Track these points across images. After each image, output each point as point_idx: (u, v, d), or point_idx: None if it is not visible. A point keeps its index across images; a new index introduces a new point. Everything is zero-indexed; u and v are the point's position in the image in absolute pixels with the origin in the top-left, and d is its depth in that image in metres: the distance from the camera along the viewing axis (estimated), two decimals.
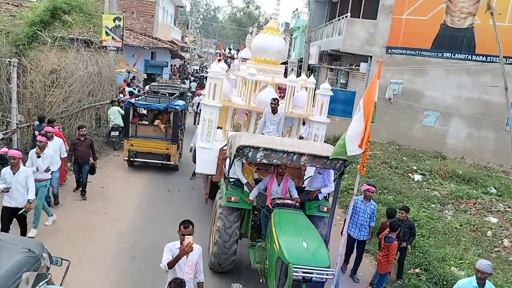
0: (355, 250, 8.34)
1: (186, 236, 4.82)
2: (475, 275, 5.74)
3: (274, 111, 9.33)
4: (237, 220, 7.30)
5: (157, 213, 10.06)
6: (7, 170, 7.08)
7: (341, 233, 7.51)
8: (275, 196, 7.19)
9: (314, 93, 10.22)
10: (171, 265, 4.85)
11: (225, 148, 8.50)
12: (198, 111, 18.24)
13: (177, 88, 17.52)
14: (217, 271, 7.48)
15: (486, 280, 5.69)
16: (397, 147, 18.02)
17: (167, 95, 15.00)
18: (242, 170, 7.77)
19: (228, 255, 7.20)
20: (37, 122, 10.21)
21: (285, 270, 5.61)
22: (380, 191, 12.86)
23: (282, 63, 11.34)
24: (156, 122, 13.08)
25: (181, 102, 14.12)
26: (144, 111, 13.90)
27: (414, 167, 15.32)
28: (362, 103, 5.63)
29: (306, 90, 10.26)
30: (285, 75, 11.61)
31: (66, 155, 9.76)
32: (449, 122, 18.56)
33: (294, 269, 5.45)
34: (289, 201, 7.01)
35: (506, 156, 17.90)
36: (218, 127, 10.23)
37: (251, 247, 7.38)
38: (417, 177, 14.40)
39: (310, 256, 5.71)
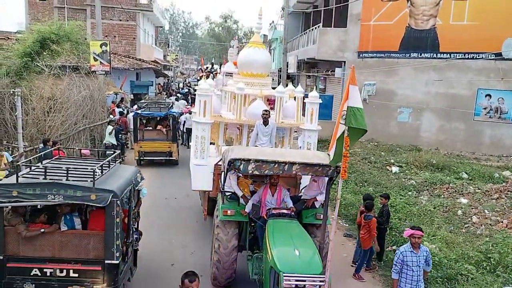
0: None
1: None
2: None
3: (266, 122, 9.31)
4: (235, 233, 7.33)
5: (158, 218, 10.92)
6: None
7: None
8: (270, 206, 7.25)
9: (303, 102, 10.28)
10: None
11: (220, 163, 8.48)
12: (185, 130, 19.11)
13: (162, 103, 18.66)
14: (219, 285, 7.53)
15: None
16: (376, 143, 19.24)
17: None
18: (237, 183, 7.85)
19: (228, 269, 7.22)
20: (41, 145, 11.10)
21: (277, 279, 5.69)
22: (361, 184, 14.00)
23: None
24: (159, 127, 16.25)
25: (176, 110, 18.03)
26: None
27: (392, 160, 16.54)
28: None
29: (295, 99, 10.41)
30: None
31: None
32: (422, 117, 19.91)
33: (285, 277, 5.55)
34: (284, 211, 7.10)
35: (477, 144, 19.34)
36: (211, 143, 10.30)
37: (250, 259, 7.35)
38: (394, 169, 15.59)
39: (302, 264, 5.81)
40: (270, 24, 42.77)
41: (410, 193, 13.40)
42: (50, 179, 5.80)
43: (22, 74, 14.07)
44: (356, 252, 8.95)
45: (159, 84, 35.39)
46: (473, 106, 19.10)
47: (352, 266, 8.88)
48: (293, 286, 5.58)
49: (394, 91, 19.90)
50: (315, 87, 25.09)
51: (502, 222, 10.92)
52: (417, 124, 19.99)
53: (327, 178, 7.19)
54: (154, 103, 18.01)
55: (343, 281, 8.15)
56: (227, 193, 7.69)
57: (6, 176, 9.16)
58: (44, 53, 15.89)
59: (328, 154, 6.21)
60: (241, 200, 7.59)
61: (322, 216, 7.24)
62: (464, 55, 18.51)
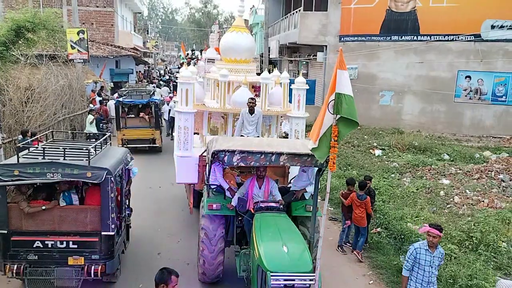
0: None
1: None
2: None
3: (252, 111, 8.91)
4: (222, 228, 7.03)
5: (144, 207, 10.79)
6: None
7: None
8: (257, 199, 6.95)
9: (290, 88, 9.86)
10: None
11: (205, 154, 8.09)
12: (169, 119, 18.58)
13: (143, 90, 18.37)
14: (205, 282, 7.30)
15: None
16: (359, 127, 19.34)
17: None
18: (223, 175, 7.56)
19: (214, 265, 6.95)
20: (20, 136, 10.85)
21: (265, 278, 5.43)
22: (345, 168, 14.10)
23: None
24: (141, 114, 16.23)
25: (158, 96, 18.31)
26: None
27: (375, 144, 16.70)
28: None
29: (281, 86, 10.00)
30: None
31: None
32: (403, 99, 20.11)
33: (273, 277, 5.29)
34: (272, 204, 6.81)
35: (457, 126, 19.65)
36: (195, 133, 9.94)
37: (237, 254, 7.02)
38: (377, 152, 15.75)
39: (290, 261, 5.54)
40: (251, 8, 42.41)
41: (393, 175, 13.56)
42: (48, 158, 6.29)
43: None
44: (341, 235, 9.05)
45: (139, 71, 34.89)
46: (453, 88, 19.36)
47: (341, 251, 8.96)
48: (282, 285, 5.33)
49: (375, 75, 20.02)
50: (297, 72, 25.07)
51: (483, 201, 11.15)
52: (399, 107, 20.19)
53: (316, 169, 6.76)
54: (135, 91, 17.76)
55: (330, 264, 8.24)
56: (213, 186, 7.37)
57: None
58: (20, 42, 15.41)
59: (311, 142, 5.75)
60: (227, 193, 7.27)
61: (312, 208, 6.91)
62: (444, 37, 18.67)
